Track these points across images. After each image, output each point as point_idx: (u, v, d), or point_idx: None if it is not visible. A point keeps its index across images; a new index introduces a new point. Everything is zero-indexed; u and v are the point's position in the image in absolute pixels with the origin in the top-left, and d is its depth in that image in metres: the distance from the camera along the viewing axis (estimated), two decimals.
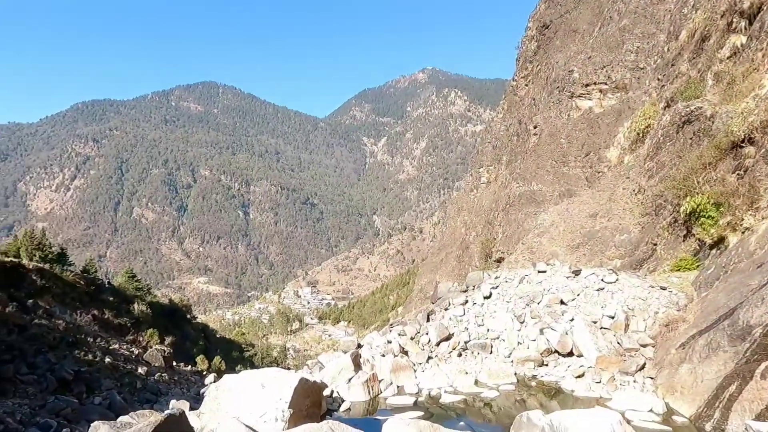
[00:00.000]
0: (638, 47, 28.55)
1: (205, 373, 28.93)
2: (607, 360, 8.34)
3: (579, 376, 8.34)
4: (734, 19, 14.54)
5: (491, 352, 9.46)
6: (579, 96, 30.61)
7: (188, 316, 49.68)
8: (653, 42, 27.60)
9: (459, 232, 49.57)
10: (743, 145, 10.91)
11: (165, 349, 27.44)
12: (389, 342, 9.76)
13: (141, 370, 21.38)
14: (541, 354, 9.07)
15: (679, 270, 11.63)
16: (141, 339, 28.47)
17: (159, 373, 22.52)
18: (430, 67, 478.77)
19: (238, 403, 6.10)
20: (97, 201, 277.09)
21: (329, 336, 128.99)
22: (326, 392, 7.80)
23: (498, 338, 9.70)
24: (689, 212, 11.88)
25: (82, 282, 31.23)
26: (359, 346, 10.02)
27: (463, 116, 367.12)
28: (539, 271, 11.59)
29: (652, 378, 7.84)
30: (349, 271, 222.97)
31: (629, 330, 9.03)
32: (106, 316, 28.22)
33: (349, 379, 8.27)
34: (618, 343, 8.70)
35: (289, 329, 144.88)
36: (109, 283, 38.75)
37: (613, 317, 9.23)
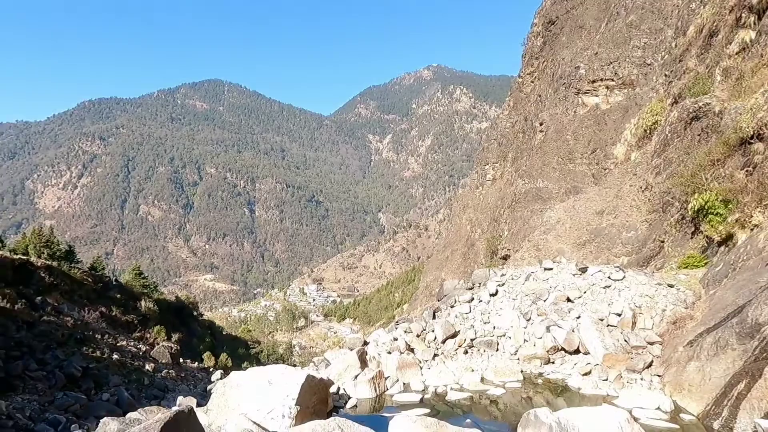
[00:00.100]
0: (645, 43, 28.32)
1: (211, 369, 29.09)
2: (614, 358, 8.31)
3: (586, 374, 8.32)
4: (743, 14, 14.40)
5: (497, 350, 9.45)
6: (585, 92, 30.43)
7: (195, 313, 49.95)
8: (660, 38, 27.37)
9: (464, 230, 49.49)
10: (752, 141, 10.81)
11: (172, 345, 27.62)
12: (395, 339, 9.77)
13: (148, 366, 21.54)
14: (547, 351, 9.05)
15: (686, 267, 11.56)
16: (148, 336, 28.65)
17: (166, 370, 22.67)
18: (436, 64, 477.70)
19: (245, 400, 6.13)
20: (104, 199, 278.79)
21: (335, 333, 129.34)
22: (333, 389, 7.82)
23: (504, 336, 9.69)
24: (697, 209, 11.80)
25: (89, 279, 31.46)
26: (365, 343, 10.04)
27: (469, 113, 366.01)
28: (545, 269, 11.56)
29: (659, 376, 7.80)
30: (354, 269, 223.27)
31: (636, 327, 8.99)
32: (113, 313, 28.42)
33: (356, 377, 8.29)
34: (625, 340, 8.66)
35: (294, 326, 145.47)
36: (116, 280, 39.01)
37: (620, 315, 9.19)
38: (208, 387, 18.32)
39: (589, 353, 8.75)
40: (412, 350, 9.46)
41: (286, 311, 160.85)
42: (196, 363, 30.55)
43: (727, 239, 10.83)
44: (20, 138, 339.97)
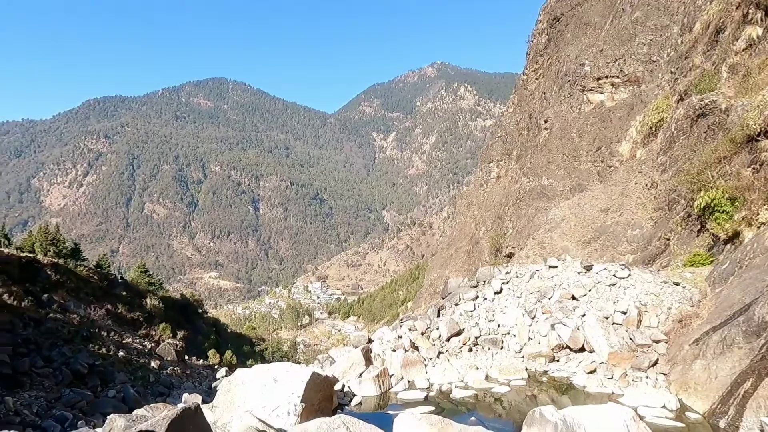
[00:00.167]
0: (651, 40, 28.17)
1: (216, 366, 29.22)
2: (619, 356, 8.29)
3: (590, 372, 8.30)
4: (750, 11, 14.30)
5: (502, 348, 9.45)
6: (590, 90, 30.31)
7: (200, 310, 50.13)
8: (666, 34, 27.21)
9: (469, 228, 49.43)
10: (759, 138, 10.75)
11: (177, 343, 27.73)
12: (400, 337, 9.78)
13: (154, 363, 21.65)
14: (552, 349, 9.03)
15: (692, 265, 11.51)
16: (153, 333, 28.78)
17: (171, 367, 22.78)
18: (440, 61, 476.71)
19: (251, 397, 6.15)
20: (109, 197, 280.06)
21: (339, 331, 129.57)
22: (337, 387, 7.84)
23: (509, 333, 9.68)
24: (703, 207, 11.75)
25: (95, 277, 31.62)
26: (370, 341, 10.06)
27: (473, 111, 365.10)
28: (550, 267, 11.54)
29: (664, 374, 7.77)
30: (358, 266, 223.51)
31: (642, 326, 8.96)
32: (119, 311, 28.56)
33: (360, 374, 8.30)
34: (630, 338, 8.64)
35: (299, 324, 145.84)
36: (121, 278, 39.19)
37: (625, 313, 9.16)
38: (213, 384, 18.41)
39: (594, 351, 8.74)
40: (416, 348, 9.47)
41: (290, 309, 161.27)
42: (201, 360, 30.69)
43: (734, 237, 10.78)
44: (26, 136, 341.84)
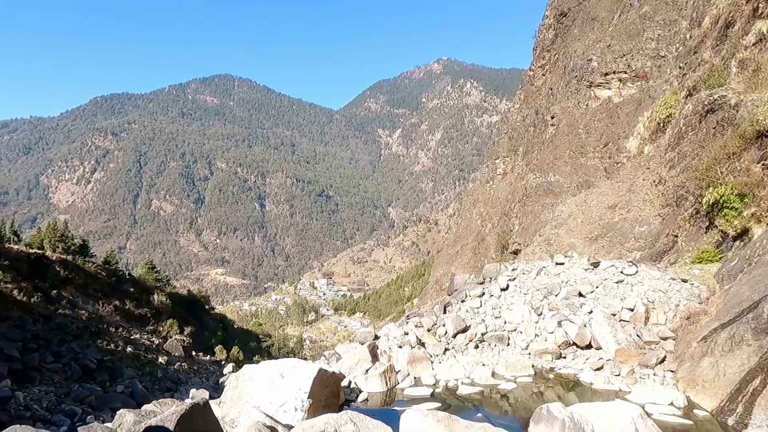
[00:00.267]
0: (659, 35, 27.92)
1: (223, 362, 29.40)
2: (627, 353, 8.26)
3: (598, 369, 8.28)
4: (760, 4, 14.13)
5: (508, 344, 9.44)
6: (598, 85, 30.10)
7: (206, 306, 50.43)
8: (675, 29, 26.96)
9: (475, 224, 49.33)
10: None
11: (184, 339, 27.94)
12: (406, 334, 9.79)
13: (161, 359, 21.82)
14: (559, 346, 9.01)
15: (700, 262, 11.43)
16: (161, 329, 29.00)
17: (179, 363, 22.96)
18: (446, 57, 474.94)
19: (258, 393, 6.19)
20: (117, 194, 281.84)
21: (345, 327, 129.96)
22: (344, 383, 7.87)
23: (515, 330, 9.66)
24: (712, 203, 11.65)
25: (103, 273, 31.89)
26: (376, 337, 10.08)
27: (479, 107, 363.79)
28: (557, 263, 11.49)
29: (672, 371, 7.74)
30: (364, 263, 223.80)
31: (649, 323, 8.92)
32: (127, 307, 28.80)
33: (367, 370, 8.33)
34: (638, 335, 8.60)
35: (305, 320, 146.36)
36: (129, 274, 39.48)
37: (632, 310, 9.12)
38: (221, 380, 18.52)
39: (601, 348, 8.71)
40: (422, 344, 9.48)
41: (296, 305, 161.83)
42: (208, 356, 30.90)
43: (743, 234, 10.69)
44: (34, 134, 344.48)
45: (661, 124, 21.05)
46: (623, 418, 4.87)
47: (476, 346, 9.46)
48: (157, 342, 25.36)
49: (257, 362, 7.31)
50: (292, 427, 5.42)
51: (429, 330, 9.94)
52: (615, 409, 5.05)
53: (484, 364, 8.84)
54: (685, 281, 9.85)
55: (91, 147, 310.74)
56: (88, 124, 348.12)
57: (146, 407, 6.09)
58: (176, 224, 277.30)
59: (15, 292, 20.06)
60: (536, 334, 9.41)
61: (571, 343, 9.01)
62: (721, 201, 11.35)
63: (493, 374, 8.49)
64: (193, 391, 10.64)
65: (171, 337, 27.32)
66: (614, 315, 9.16)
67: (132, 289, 33.30)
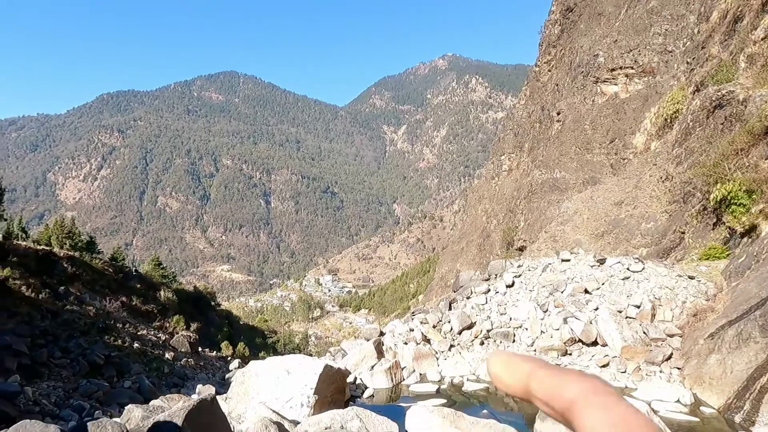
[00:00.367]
0: (666, 30, 27.69)
1: (229, 358, 29.55)
2: (633, 350, 8.23)
3: (603, 366, 8.27)
4: None
5: (514, 341, 9.43)
6: (604, 81, 29.91)
7: (212, 303, 50.65)
8: (682, 24, 26.73)
9: (480, 221, 49.24)
10: None
11: (191, 335, 28.09)
12: (411, 330, 9.81)
13: (168, 355, 21.96)
14: (564, 343, 9.00)
15: (708, 259, 11.37)
16: (167, 325, 29.16)
17: (185, 358, 23.09)
18: (451, 53, 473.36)
19: (264, 389, 6.22)
20: (123, 190, 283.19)
21: (350, 323, 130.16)
22: (349, 379, 7.89)
23: (521, 327, 9.66)
24: (719, 200, 11.57)
25: (110, 269, 32.08)
26: (381, 333, 10.10)
27: (484, 103, 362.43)
28: (563, 260, 11.46)
29: (679, 368, 7.71)
30: (369, 260, 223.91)
31: (656, 320, 8.89)
32: (133, 303, 28.96)
33: (372, 367, 8.35)
34: (644, 332, 8.58)
35: (310, 316, 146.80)
36: (136, 270, 39.69)
37: (639, 307, 9.09)
38: (227, 375, 18.63)
39: (607, 345, 8.69)
40: (428, 341, 9.49)
41: (301, 301, 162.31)
42: (215, 352, 31.05)
43: (751, 230, 10.61)
44: (41, 131, 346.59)
45: (668, 120, 20.90)
46: None
47: (481, 343, 9.46)
48: (163, 338, 25.52)
49: (263, 358, 7.35)
50: (298, 422, 5.44)
51: (434, 326, 9.95)
52: None
53: None
54: (692, 278, 9.80)
55: (97, 144, 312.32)
56: (94, 122, 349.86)
57: (154, 403, 6.14)
58: (182, 221, 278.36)
59: (23, 288, 20.23)
60: (542, 331, 9.40)
61: (577, 339, 8.99)
62: (728, 197, 11.28)
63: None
64: (199, 386, 10.72)
65: (177, 333, 27.47)
66: (620, 312, 9.13)
67: (139, 286, 33.48)
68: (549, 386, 0.31)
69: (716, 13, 19.14)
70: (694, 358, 7.49)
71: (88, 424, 4.35)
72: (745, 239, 10.74)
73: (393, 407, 7.04)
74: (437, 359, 9.00)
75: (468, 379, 8.23)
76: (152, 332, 25.54)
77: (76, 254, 29.96)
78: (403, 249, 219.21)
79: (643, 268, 10.26)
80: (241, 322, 58.74)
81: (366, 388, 7.93)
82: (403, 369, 8.55)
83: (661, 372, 7.85)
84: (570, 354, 8.96)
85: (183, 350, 24.96)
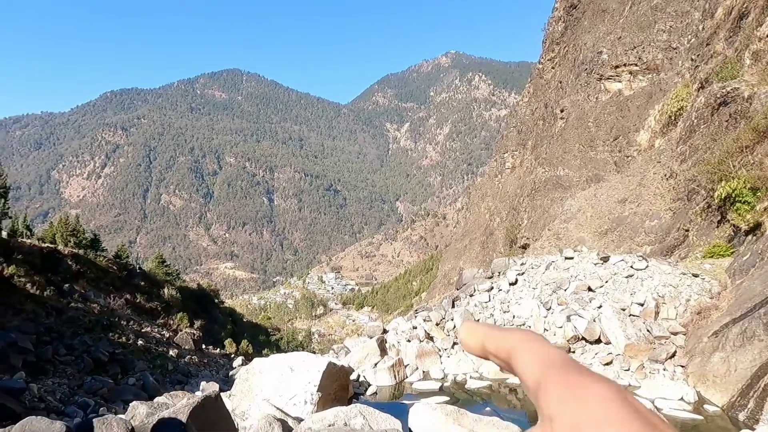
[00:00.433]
0: (671, 26, 27.55)
1: (233, 355, 29.65)
2: (636, 348, 8.22)
3: (607, 364, 8.26)
4: None
5: None
6: (608, 78, 29.80)
7: (216, 300, 50.80)
8: (687, 20, 26.59)
9: (483, 218, 49.19)
10: None
11: (194, 332, 28.20)
12: (414, 328, 9.82)
13: (172, 352, 22.05)
14: (568, 341, 8.99)
15: (712, 257, 11.33)
16: (171, 322, 29.27)
17: (189, 356, 23.19)
18: (454, 50, 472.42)
19: (268, 386, 6.24)
20: (127, 188, 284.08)
21: (353, 321, 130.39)
22: (353, 376, 7.91)
23: (524, 325, 9.65)
24: (724, 197, 11.53)
25: (114, 267, 32.21)
26: (385, 331, 10.11)
27: (488, 101, 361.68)
28: (566, 258, 11.45)
29: (682, 366, 7.70)
30: (372, 257, 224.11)
31: (659, 317, 8.87)
32: (137, 300, 29.08)
33: (375, 364, 8.36)
34: (648, 330, 8.56)
35: (313, 314, 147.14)
36: (139, 268, 39.84)
37: (642, 304, 9.07)
38: (231, 373, 18.70)
39: (610, 343, 8.68)
40: (431, 338, 9.50)
41: (305, 299, 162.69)
42: (218, 349, 31.16)
43: (755, 228, 10.57)
44: (45, 129, 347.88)
45: (673, 117, 20.82)
46: None
47: None
48: (167, 335, 25.63)
49: (267, 356, 7.38)
50: (301, 419, 5.46)
51: (437, 324, 9.96)
52: None
53: None
54: (696, 276, 9.77)
55: (101, 142, 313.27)
56: (98, 120, 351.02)
57: (158, 399, 6.17)
58: (185, 218, 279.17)
59: (28, 285, 20.34)
60: (545, 329, 9.39)
61: (580, 337, 8.98)
62: (733, 195, 11.23)
63: (502, 369, 8.49)
64: (203, 383, 10.76)
65: (181, 331, 27.59)
66: (624, 310, 9.12)
67: (142, 283, 33.61)
68: (496, 342, 0.40)
69: (721, 10, 19.03)
70: (698, 356, 7.48)
71: (93, 420, 4.38)
72: (749, 237, 10.70)
73: (396, 404, 7.06)
74: (440, 357, 9.01)
75: (471, 377, 8.24)
76: (156, 329, 25.65)
77: (81, 252, 30.09)
78: (406, 247, 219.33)
79: (647, 266, 10.23)
80: (244, 320, 58.91)
81: (369, 385, 7.95)
82: (406, 366, 8.56)
83: (664, 370, 7.84)
84: (573, 352, 8.95)
85: (187, 347, 25.07)
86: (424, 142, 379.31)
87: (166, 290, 35.25)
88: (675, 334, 8.40)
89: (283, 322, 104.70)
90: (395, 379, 8.12)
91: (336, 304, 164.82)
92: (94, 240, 36.27)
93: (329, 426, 4.67)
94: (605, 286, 10.01)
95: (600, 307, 9.35)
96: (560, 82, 38.23)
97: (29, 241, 28.21)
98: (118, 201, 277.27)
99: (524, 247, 30.88)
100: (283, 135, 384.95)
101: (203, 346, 28.04)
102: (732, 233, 11.62)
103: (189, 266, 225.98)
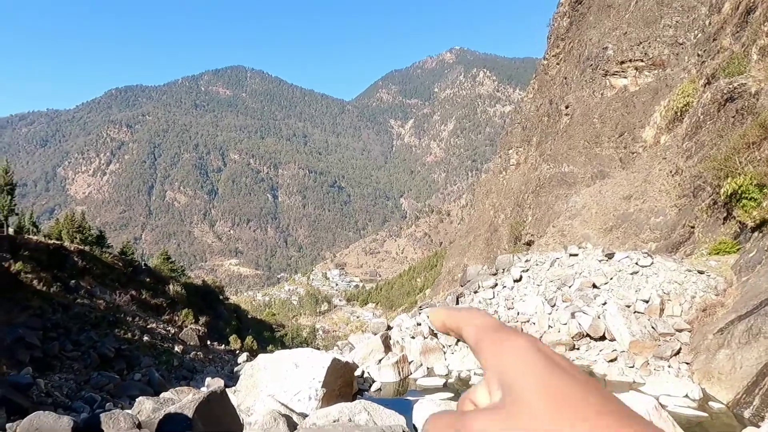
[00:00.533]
0: (677, 21, 27.35)
1: (237, 352, 29.78)
2: (641, 344, 8.21)
3: (611, 361, 8.25)
4: None
5: None
6: (613, 74, 29.63)
7: (221, 297, 50.99)
8: (693, 15, 26.39)
9: (487, 215, 49.11)
10: None
11: (199, 328, 28.33)
12: (419, 324, 9.83)
13: (177, 348, 22.18)
14: (572, 338, 8.99)
15: (717, 253, 11.28)
16: (177, 318, 29.42)
17: (194, 352, 23.31)
18: (458, 47, 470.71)
19: (273, 382, 6.27)
20: (132, 185, 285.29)
21: (357, 317, 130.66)
22: (357, 372, 7.94)
23: (528, 321, 9.65)
24: (730, 194, 11.47)
25: (120, 263, 32.38)
26: (389, 327, 10.13)
27: (492, 97, 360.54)
28: (571, 255, 11.42)
29: (687, 363, 7.68)
30: (376, 254, 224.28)
31: (664, 314, 8.84)
32: (143, 296, 29.24)
33: (380, 360, 8.38)
34: (652, 327, 8.54)
35: (317, 310, 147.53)
36: (145, 264, 40.03)
37: (647, 301, 9.05)
38: (236, 368, 18.78)
39: (615, 340, 8.67)
40: (435, 335, 9.51)
41: (309, 295, 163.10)
42: (223, 345, 31.30)
43: (762, 225, 10.52)
44: (51, 126, 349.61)
45: (679, 113, 20.69)
46: (637, 410, 4.85)
47: None
48: (172, 331, 25.77)
49: (271, 352, 7.41)
50: (306, 415, 5.49)
51: None
52: (629, 401, 5.03)
53: None
54: (701, 273, 9.73)
55: (106, 139, 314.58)
56: (103, 117, 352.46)
57: (164, 395, 6.21)
58: (190, 215, 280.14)
59: (35, 282, 20.49)
60: (549, 326, 9.39)
61: (585, 334, 8.98)
62: (739, 191, 11.17)
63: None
64: (208, 379, 10.82)
65: (186, 327, 27.72)
66: (629, 306, 9.10)
67: (148, 280, 33.77)
68: (451, 320, 0.51)
69: (728, 5, 18.88)
70: (703, 353, 7.46)
71: (100, 415, 4.42)
72: (755, 234, 10.65)
73: (400, 401, 7.07)
74: (444, 353, 9.02)
75: (475, 373, 8.25)
76: (161, 325, 25.79)
77: (87, 248, 30.26)
78: (410, 243, 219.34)
79: (652, 263, 10.20)
80: (249, 316, 59.11)
81: (373, 381, 7.97)
82: (410, 363, 8.58)
83: (669, 367, 7.82)
84: (578, 348, 8.95)
85: (192, 343, 25.20)
86: (429, 139, 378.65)
87: (171, 286, 35.42)
88: (680, 331, 8.38)
89: (287, 318, 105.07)
90: (399, 375, 8.14)
91: (340, 300, 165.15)
92: (100, 236, 36.46)
93: (334, 422, 4.69)
94: (610, 282, 9.99)
95: (605, 303, 9.33)
96: (565, 78, 38.06)
97: (36, 237, 28.40)
98: (123, 198, 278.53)
99: (529, 243, 30.83)
100: (287, 132, 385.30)
101: (208, 342, 28.18)
102: (738, 230, 11.56)
103: (194, 263, 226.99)
